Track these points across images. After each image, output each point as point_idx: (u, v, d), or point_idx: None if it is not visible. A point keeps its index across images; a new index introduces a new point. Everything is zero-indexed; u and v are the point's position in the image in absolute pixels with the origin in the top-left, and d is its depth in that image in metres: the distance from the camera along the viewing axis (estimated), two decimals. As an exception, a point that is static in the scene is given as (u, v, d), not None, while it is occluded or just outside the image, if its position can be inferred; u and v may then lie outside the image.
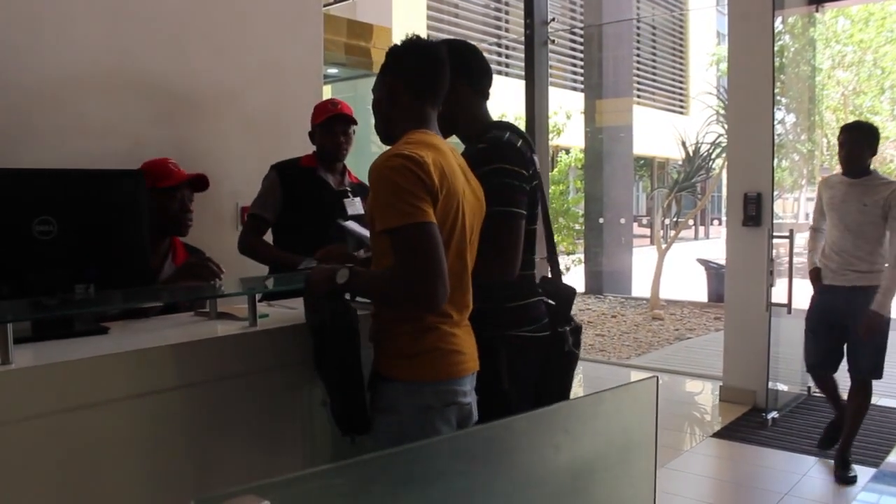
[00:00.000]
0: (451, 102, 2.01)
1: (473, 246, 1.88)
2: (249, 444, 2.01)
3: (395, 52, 1.90)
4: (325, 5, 4.35)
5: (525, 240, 2.05)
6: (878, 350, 3.69)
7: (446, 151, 1.82)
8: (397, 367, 1.80)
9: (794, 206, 9.52)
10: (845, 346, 3.82)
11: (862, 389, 3.76)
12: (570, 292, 2.22)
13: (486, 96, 2.17)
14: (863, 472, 3.78)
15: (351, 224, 2.17)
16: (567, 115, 12.53)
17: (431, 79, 1.88)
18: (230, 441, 1.96)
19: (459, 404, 1.82)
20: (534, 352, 2.09)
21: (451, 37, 14.76)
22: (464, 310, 1.87)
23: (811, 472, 3.88)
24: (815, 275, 3.96)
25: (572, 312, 2.21)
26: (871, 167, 3.83)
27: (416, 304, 1.73)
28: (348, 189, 3.10)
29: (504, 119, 2.34)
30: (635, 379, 1.50)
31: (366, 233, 2.19)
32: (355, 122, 3.09)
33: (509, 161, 2.00)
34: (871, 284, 3.66)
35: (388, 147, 1.81)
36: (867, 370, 3.71)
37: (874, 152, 3.76)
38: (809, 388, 5.36)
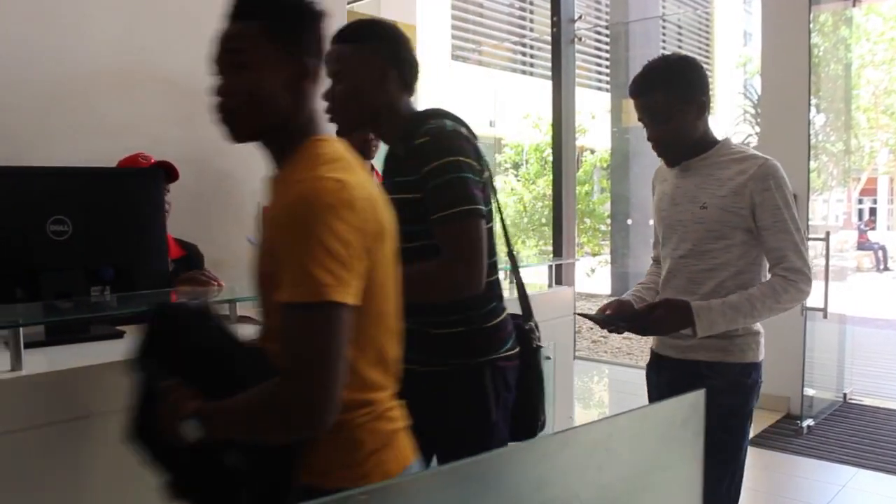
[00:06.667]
0: (377, 91, 1.73)
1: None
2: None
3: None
4: (348, 2, 4.27)
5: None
6: (731, 461, 2.06)
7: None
8: (343, 472, 1.24)
9: (826, 208, 9.36)
10: None
11: None
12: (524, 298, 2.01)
13: (412, 91, 1.83)
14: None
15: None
16: (592, 115, 12.37)
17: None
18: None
19: None
20: (514, 374, 1.87)
21: (470, 36, 14.52)
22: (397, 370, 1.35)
23: (850, 483, 3.73)
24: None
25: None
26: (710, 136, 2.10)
27: (293, 428, 1.15)
28: (377, 190, 3.01)
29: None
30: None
31: None
32: None
33: (459, 152, 1.69)
34: (721, 360, 2.03)
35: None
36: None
37: (699, 106, 2.03)
38: (845, 394, 5.21)
